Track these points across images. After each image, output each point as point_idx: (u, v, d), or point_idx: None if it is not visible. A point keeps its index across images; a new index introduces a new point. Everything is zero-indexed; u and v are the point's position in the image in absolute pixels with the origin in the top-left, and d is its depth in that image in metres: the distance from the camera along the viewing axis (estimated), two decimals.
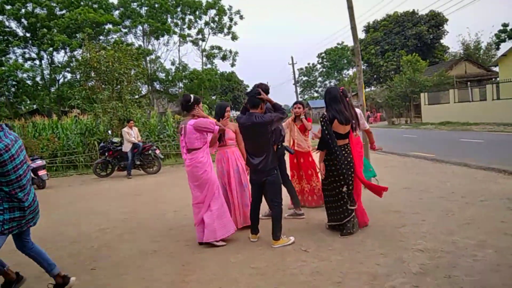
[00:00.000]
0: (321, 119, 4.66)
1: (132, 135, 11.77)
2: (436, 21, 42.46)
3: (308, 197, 6.18)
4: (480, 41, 43.64)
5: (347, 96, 4.94)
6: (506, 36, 42.37)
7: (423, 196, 6.39)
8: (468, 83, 30.65)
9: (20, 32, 31.01)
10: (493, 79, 31.78)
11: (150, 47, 35.36)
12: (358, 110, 5.36)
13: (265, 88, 4.82)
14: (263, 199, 4.83)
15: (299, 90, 66.22)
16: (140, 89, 20.55)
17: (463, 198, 6.06)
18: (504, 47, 38.93)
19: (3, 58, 29.18)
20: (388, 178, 8.22)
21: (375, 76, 45.69)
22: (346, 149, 4.69)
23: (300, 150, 6.11)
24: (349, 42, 67.81)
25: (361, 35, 46.06)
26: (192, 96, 4.83)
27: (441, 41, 44.77)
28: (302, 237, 4.67)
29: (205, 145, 4.73)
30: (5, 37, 29.82)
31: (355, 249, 4.18)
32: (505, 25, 42.28)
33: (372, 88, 47.57)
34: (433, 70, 35.05)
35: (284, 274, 3.70)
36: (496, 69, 31.29)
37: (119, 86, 14.79)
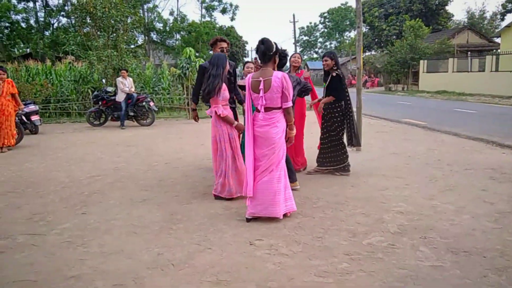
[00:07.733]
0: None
1: (126, 85, 11.65)
2: None
3: None
4: (485, 10, 42.80)
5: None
6: None
7: (410, 162, 6.53)
8: (469, 53, 30.30)
9: None
10: (494, 50, 31.42)
11: None
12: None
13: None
14: None
15: (298, 50, 65.09)
16: (136, 38, 20.09)
17: (448, 166, 6.20)
18: (509, 18, 38.26)
19: None
20: (378, 143, 8.36)
21: (376, 40, 44.83)
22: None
23: None
24: (353, 3, 66.07)
25: None
26: (275, 43, 3.94)
27: (446, 7, 43.74)
28: None
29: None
30: None
31: (338, 208, 4.33)
32: None
33: (373, 52, 46.85)
34: (435, 37, 34.46)
35: (268, 227, 3.84)
36: (498, 40, 30.86)
37: (114, 34, 14.48)
